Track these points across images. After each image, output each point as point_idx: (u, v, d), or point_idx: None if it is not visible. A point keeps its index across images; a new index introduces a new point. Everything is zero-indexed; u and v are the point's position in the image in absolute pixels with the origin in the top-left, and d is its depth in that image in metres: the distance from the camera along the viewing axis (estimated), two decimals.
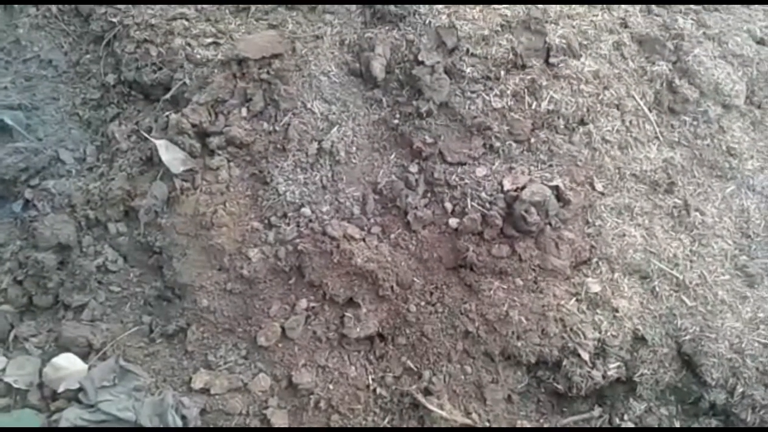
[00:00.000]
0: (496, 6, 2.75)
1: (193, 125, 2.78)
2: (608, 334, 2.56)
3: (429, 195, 2.72)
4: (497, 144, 2.71)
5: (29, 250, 2.80)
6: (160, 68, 2.92)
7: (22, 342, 2.70)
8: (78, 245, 2.81)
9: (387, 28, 2.83)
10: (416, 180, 2.72)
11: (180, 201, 2.74)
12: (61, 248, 2.77)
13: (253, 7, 2.96)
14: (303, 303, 2.68)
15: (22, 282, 2.78)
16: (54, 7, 3.14)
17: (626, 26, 2.88)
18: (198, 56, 2.86)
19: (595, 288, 2.64)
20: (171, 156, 2.77)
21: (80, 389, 2.59)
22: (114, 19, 2.99)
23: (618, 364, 2.57)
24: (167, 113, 2.86)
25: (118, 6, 3.01)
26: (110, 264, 2.79)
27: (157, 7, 2.98)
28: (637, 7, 2.92)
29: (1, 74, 3.12)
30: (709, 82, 2.81)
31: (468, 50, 2.74)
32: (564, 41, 2.75)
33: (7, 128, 2.96)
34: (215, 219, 2.69)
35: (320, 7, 2.90)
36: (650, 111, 2.79)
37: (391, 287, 2.63)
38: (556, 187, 2.63)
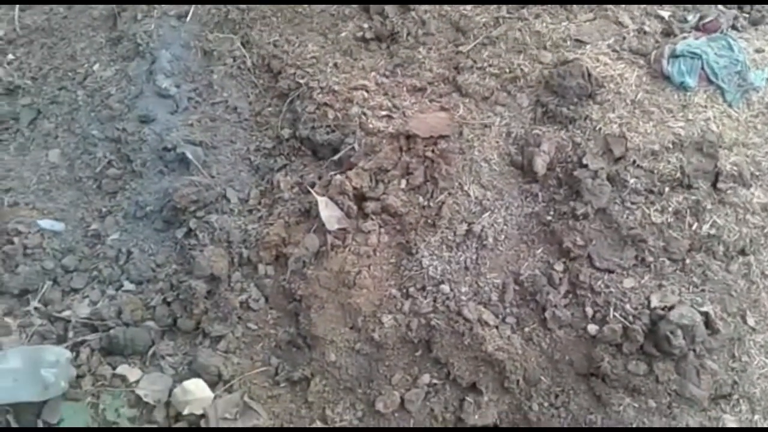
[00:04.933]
0: (671, 124, 2.77)
1: (354, 188, 2.95)
2: None
3: (570, 296, 2.71)
4: (650, 258, 2.67)
5: (183, 276, 3.02)
6: (334, 131, 3.13)
7: (159, 360, 2.88)
8: (227, 279, 2.99)
9: (556, 127, 2.90)
10: (560, 279, 2.72)
11: (329, 256, 2.88)
12: (212, 279, 2.96)
13: (429, 89, 3.14)
14: (426, 378, 2.71)
15: (170, 303, 2.98)
16: (249, 61, 3.45)
17: None
18: (370, 126, 3.04)
19: (732, 426, 2.50)
20: (329, 213, 2.93)
21: (203, 416, 2.72)
22: (301, 81, 3.26)
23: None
24: (332, 173, 3.05)
25: (307, 69, 3.27)
26: (252, 302, 2.94)
27: (342, 75, 3.23)
28: None
29: (191, 112, 3.44)
30: None
31: (634, 161, 2.75)
32: (735, 168, 2.71)
33: (186, 161, 3.24)
34: (358, 279, 2.80)
35: (492, 98, 3.03)
36: None
37: (517, 381, 2.61)
38: (706, 314, 2.54)
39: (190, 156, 3.23)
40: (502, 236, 2.83)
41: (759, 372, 2.56)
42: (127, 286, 3.09)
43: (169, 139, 3.28)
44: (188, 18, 3.64)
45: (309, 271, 2.88)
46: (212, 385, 2.78)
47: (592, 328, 2.62)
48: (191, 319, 2.94)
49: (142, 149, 3.33)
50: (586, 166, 2.78)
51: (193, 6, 3.67)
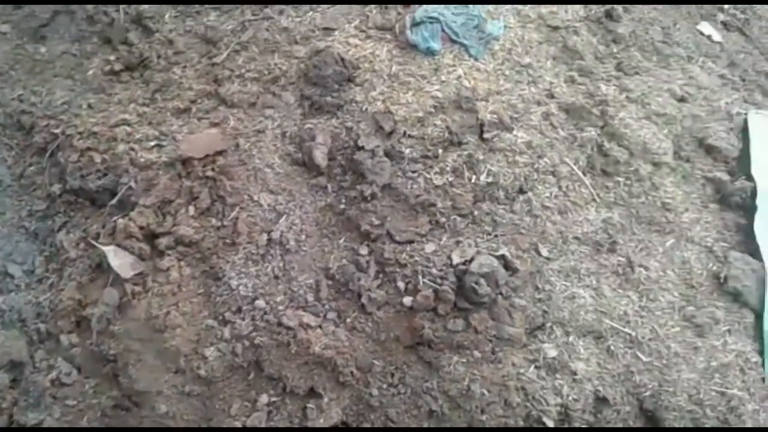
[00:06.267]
0: (428, 89, 2.87)
1: (141, 228, 2.79)
2: (570, 398, 2.57)
3: (381, 276, 2.75)
4: (443, 219, 2.77)
5: None
6: (105, 174, 2.94)
7: None
8: (30, 361, 2.74)
9: (326, 117, 2.92)
10: (367, 262, 2.75)
11: (132, 306, 2.71)
12: (13, 366, 2.71)
13: (194, 108, 3.03)
14: (264, 398, 2.65)
15: None
16: None
17: (552, 97, 3.01)
18: (142, 159, 2.90)
19: (552, 353, 2.66)
20: (120, 261, 2.76)
21: None
22: (56, 130, 3.02)
23: (583, 427, 2.57)
24: (115, 218, 2.87)
25: (61, 117, 3.05)
26: (64, 377, 2.72)
27: (99, 115, 3.04)
28: (561, 77, 3.07)
29: None
30: (637, 143, 2.94)
31: (405, 132, 2.84)
32: (495, 116, 2.87)
33: None
34: (168, 321, 2.66)
35: (259, 102, 2.99)
36: (584, 175, 2.89)
37: (351, 372, 2.62)
38: (503, 257, 2.68)
39: None
40: (303, 236, 2.81)
41: (562, 296, 2.74)
42: None
43: None
44: None
45: (115, 327, 2.70)
46: None
47: (407, 300, 2.68)
48: (1, 415, 2.67)
49: None
50: (362, 147, 2.82)
51: None
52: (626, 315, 2.72)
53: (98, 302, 2.74)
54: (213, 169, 2.86)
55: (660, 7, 3.57)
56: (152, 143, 2.95)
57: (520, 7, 3.16)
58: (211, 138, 2.92)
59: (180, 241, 2.78)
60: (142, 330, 2.69)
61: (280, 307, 2.70)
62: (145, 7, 3.21)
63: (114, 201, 2.92)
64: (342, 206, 2.84)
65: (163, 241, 2.78)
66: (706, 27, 3.64)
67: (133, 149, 2.93)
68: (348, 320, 2.71)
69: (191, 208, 2.84)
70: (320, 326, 2.68)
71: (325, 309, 2.73)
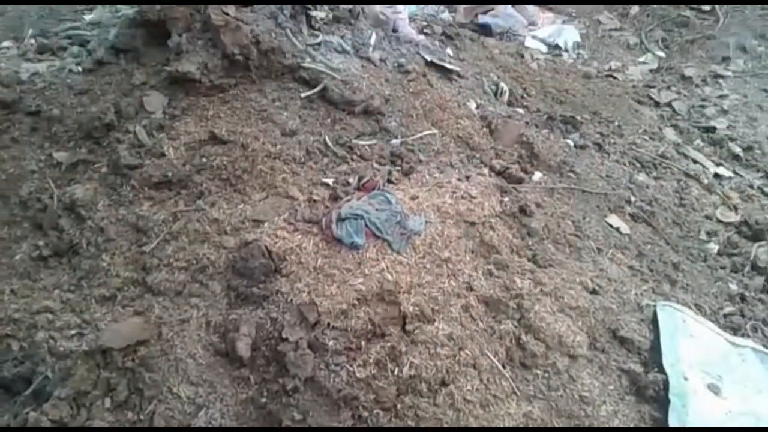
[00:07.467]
0: (352, 282, 2.97)
1: (53, 421, 2.68)
2: None
3: None
4: (365, 414, 2.75)
5: None
6: (22, 362, 2.87)
7: None
8: None
9: (251, 308, 2.97)
10: None
11: None
12: None
13: (119, 295, 3.05)
14: None
15: None
16: None
17: (471, 289, 3.14)
18: (61, 348, 2.85)
19: None
20: None
21: None
22: None
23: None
24: (27, 410, 2.76)
25: None
26: None
27: (22, 301, 3.02)
28: (480, 270, 3.22)
29: None
30: (553, 336, 3.04)
31: (329, 324, 2.89)
32: (417, 308, 2.97)
33: None
34: None
35: (186, 291, 3.03)
36: (504, 367, 2.95)
37: None
38: None
39: None
40: None
41: None
42: None
43: None
44: None
45: None
46: None
47: None
48: None
49: None
50: (286, 339, 2.84)
51: None
52: None
53: None
54: (133, 360, 2.82)
55: (570, 201, 3.87)
56: (73, 331, 2.91)
57: (439, 203, 3.39)
58: (134, 327, 2.91)
59: None
60: None
61: None
62: (79, 195, 3.31)
63: (28, 391, 2.82)
64: (263, 400, 2.79)
65: None
66: (614, 219, 3.93)
67: (53, 337, 2.88)
68: None
69: (107, 401, 2.76)
70: None
71: None
